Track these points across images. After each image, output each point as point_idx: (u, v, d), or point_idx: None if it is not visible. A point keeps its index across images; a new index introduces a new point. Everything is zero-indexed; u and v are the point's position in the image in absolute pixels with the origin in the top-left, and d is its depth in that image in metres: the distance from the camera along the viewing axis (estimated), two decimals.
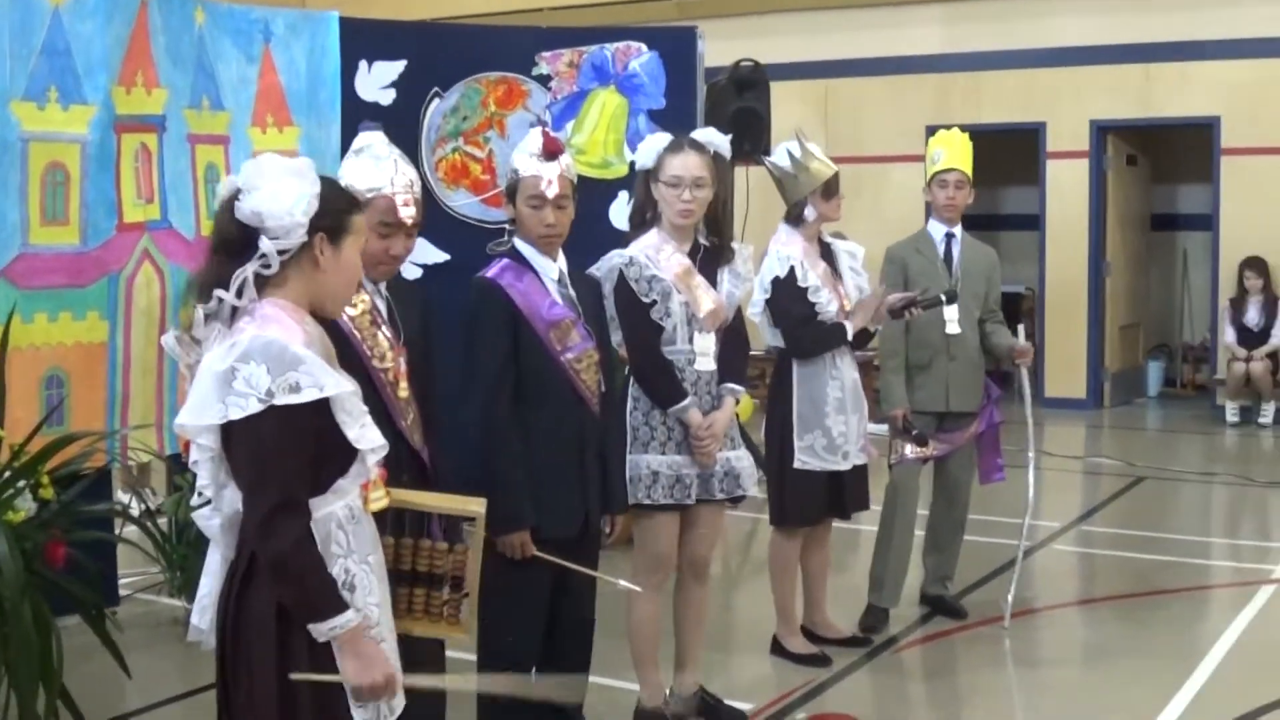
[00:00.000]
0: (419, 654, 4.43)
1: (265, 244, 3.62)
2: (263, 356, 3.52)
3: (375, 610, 3.78)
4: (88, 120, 6.67)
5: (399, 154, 4.92)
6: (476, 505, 4.50)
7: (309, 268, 3.71)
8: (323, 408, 3.59)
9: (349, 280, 3.90)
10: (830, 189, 7.16)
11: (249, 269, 3.62)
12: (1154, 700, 6.74)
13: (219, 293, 3.60)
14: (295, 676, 3.58)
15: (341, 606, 3.59)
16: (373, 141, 4.92)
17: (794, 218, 7.17)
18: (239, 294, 3.61)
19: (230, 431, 3.56)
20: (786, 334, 7.02)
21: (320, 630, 3.57)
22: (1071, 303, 16.73)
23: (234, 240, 3.63)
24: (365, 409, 3.74)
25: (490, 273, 5.53)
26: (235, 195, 3.63)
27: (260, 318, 3.60)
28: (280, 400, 3.51)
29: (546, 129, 5.66)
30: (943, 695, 7.25)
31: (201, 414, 3.55)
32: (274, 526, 3.52)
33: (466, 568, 4.45)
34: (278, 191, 3.61)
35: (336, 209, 3.75)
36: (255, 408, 3.50)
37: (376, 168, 4.83)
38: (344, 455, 3.71)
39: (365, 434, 3.71)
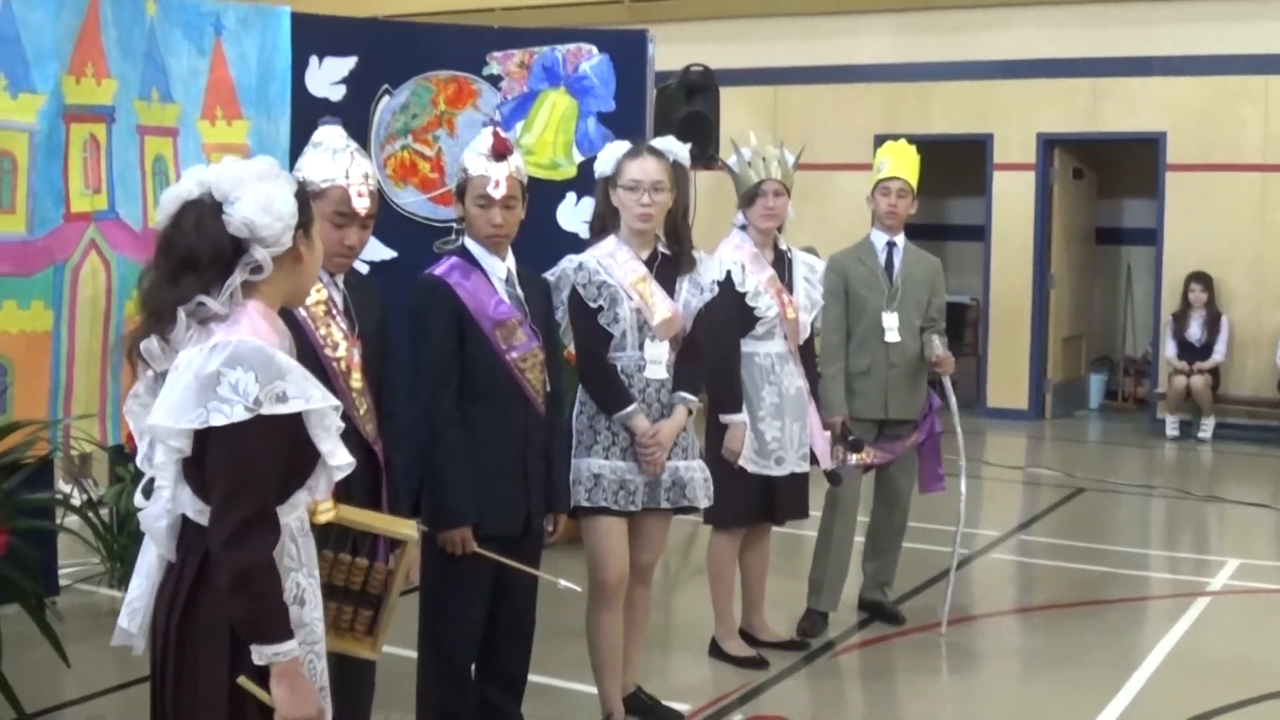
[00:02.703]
0: (351, 665, 4.46)
1: (260, 252, 3.56)
2: (251, 363, 3.46)
3: (320, 626, 3.77)
4: (36, 109, 6.64)
5: (355, 147, 4.95)
6: (409, 529, 4.52)
7: (290, 265, 3.68)
8: (298, 419, 3.55)
9: (319, 265, 3.92)
10: (750, 196, 7.21)
11: (238, 278, 3.56)
12: (1088, 708, 6.80)
13: (206, 300, 3.52)
14: (242, 680, 3.52)
15: (288, 634, 3.53)
16: (329, 135, 4.95)
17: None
18: (226, 302, 3.56)
19: (208, 437, 3.48)
20: (708, 337, 6.91)
21: (264, 653, 3.49)
22: (1015, 314, 16.84)
23: (225, 254, 3.54)
24: (341, 425, 3.69)
25: (438, 270, 5.56)
26: (215, 210, 3.55)
27: (236, 320, 3.55)
28: (267, 410, 3.45)
29: (498, 129, 5.67)
30: (879, 699, 7.29)
31: (180, 416, 3.47)
32: (245, 537, 3.45)
33: (387, 587, 4.45)
34: (266, 200, 3.57)
35: (305, 202, 3.74)
36: (241, 415, 3.43)
37: (332, 160, 4.86)
38: (307, 468, 3.67)
39: (337, 450, 3.66)
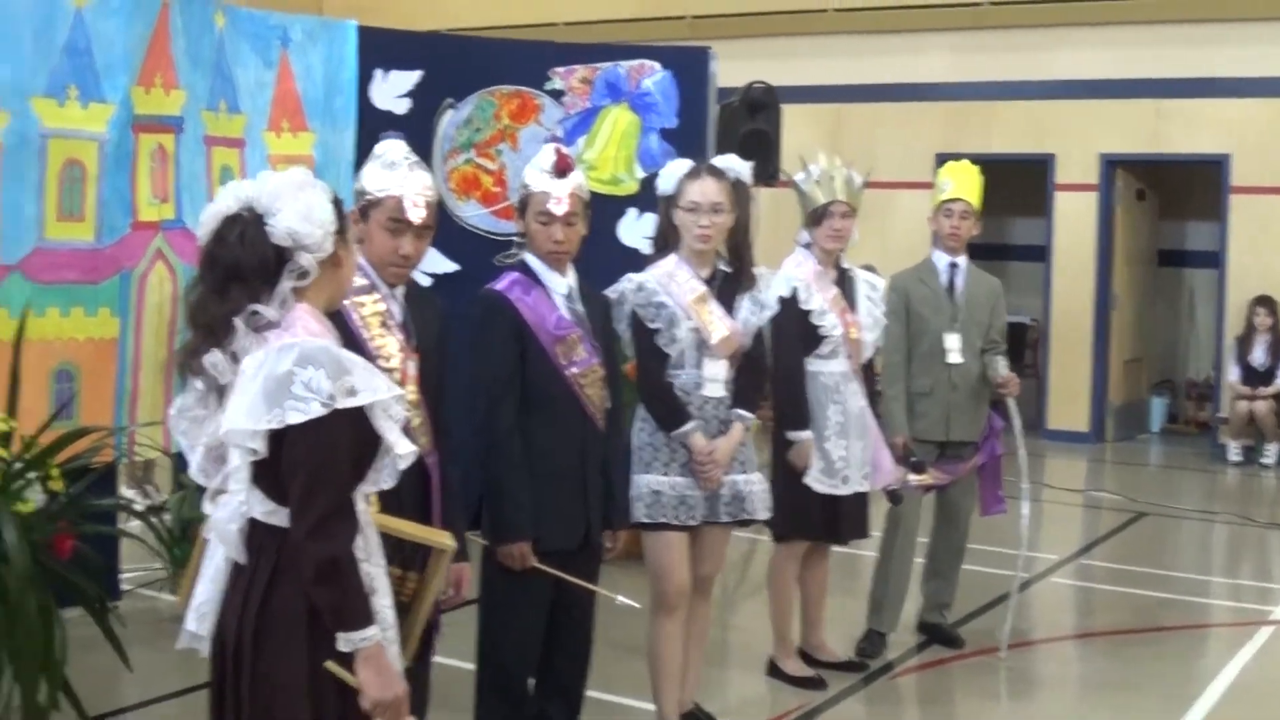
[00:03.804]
0: (407, 672, 4.47)
1: (305, 258, 3.66)
2: (320, 361, 3.55)
3: (390, 613, 3.84)
4: (106, 119, 6.70)
5: (414, 160, 4.97)
6: (448, 540, 4.54)
7: (330, 269, 3.77)
8: (362, 413, 3.63)
9: (354, 268, 4.08)
10: (817, 216, 7.20)
11: (287, 284, 3.66)
12: None
13: (260, 309, 3.62)
14: (329, 665, 3.60)
15: (371, 620, 3.63)
16: (389, 148, 4.98)
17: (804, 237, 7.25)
18: (279, 308, 3.66)
19: (284, 436, 3.56)
20: (773, 355, 6.95)
21: (351, 639, 3.59)
22: (1076, 335, 16.75)
23: (270, 264, 3.65)
24: (405, 415, 3.80)
25: (499, 286, 5.57)
26: (258, 223, 3.65)
27: (291, 324, 3.64)
28: (341, 404, 3.54)
29: (560, 146, 5.68)
30: None
31: (257, 418, 3.54)
32: (330, 529, 3.55)
33: (417, 597, 4.48)
34: (306, 210, 3.67)
35: (340, 210, 3.84)
36: (318, 411, 3.52)
37: (389, 171, 4.89)
38: (370, 461, 3.73)
39: (402, 440, 3.73)
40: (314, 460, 3.56)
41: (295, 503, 3.59)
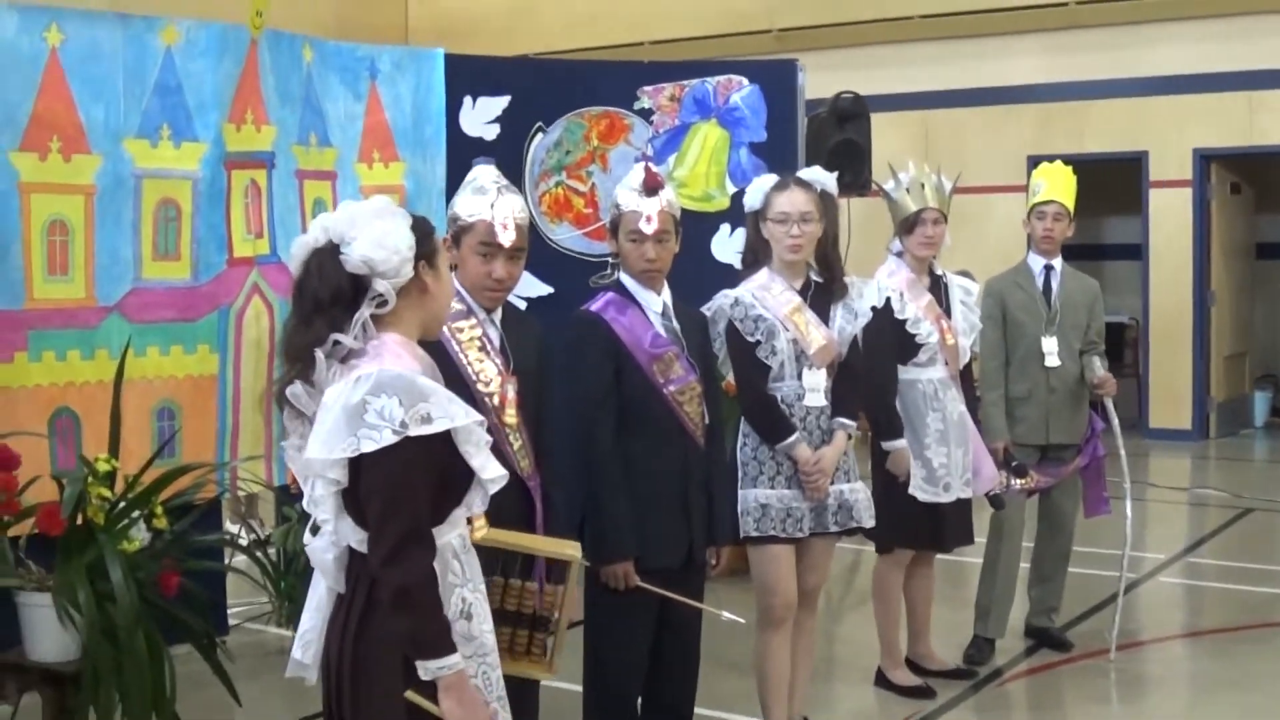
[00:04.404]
0: (514, 688, 4.49)
1: (381, 285, 3.68)
2: (394, 389, 3.57)
3: (490, 638, 3.86)
4: (199, 157, 6.79)
5: (505, 184, 5.00)
6: (572, 549, 4.58)
7: (417, 296, 3.80)
8: (447, 438, 3.65)
9: (450, 296, 4.04)
10: (908, 224, 7.17)
11: (365, 311, 3.69)
12: None
13: (340, 338, 3.65)
14: (410, 694, 3.61)
15: (452, 648, 3.63)
16: (481, 173, 5.02)
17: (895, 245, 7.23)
18: (359, 336, 3.68)
19: (360, 464, 3.59)
20: (866, 365, 6.86)
21: (429, 668, 3.60)
22: (1176, 332, 16.59)
23: (345, 292, 3.68)
24: (489, 439, 3.80)
25: (594, 306, 5.59)
26: (333, 252, 3.69)
27: (378, 353, 3.67)
28: (414, 431, 3.56)
29: (649, 164, 5.69)
30: None
31: (332, 447, 3.58)
32: (403, 556, 3.56)
33: (558, 607, 4.52)
34: (380, 236, 3.69)
35: (425, 233, 3.85)
36: (390, 439, 3.54)
37: (480, 196, 4.93)
38: (461, 485, 3.76)
39: (489, 464, 3.76)
40: (387, 488, 3.59)
41: (371, 531, 3.63)
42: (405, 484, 3.59)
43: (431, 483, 3.66)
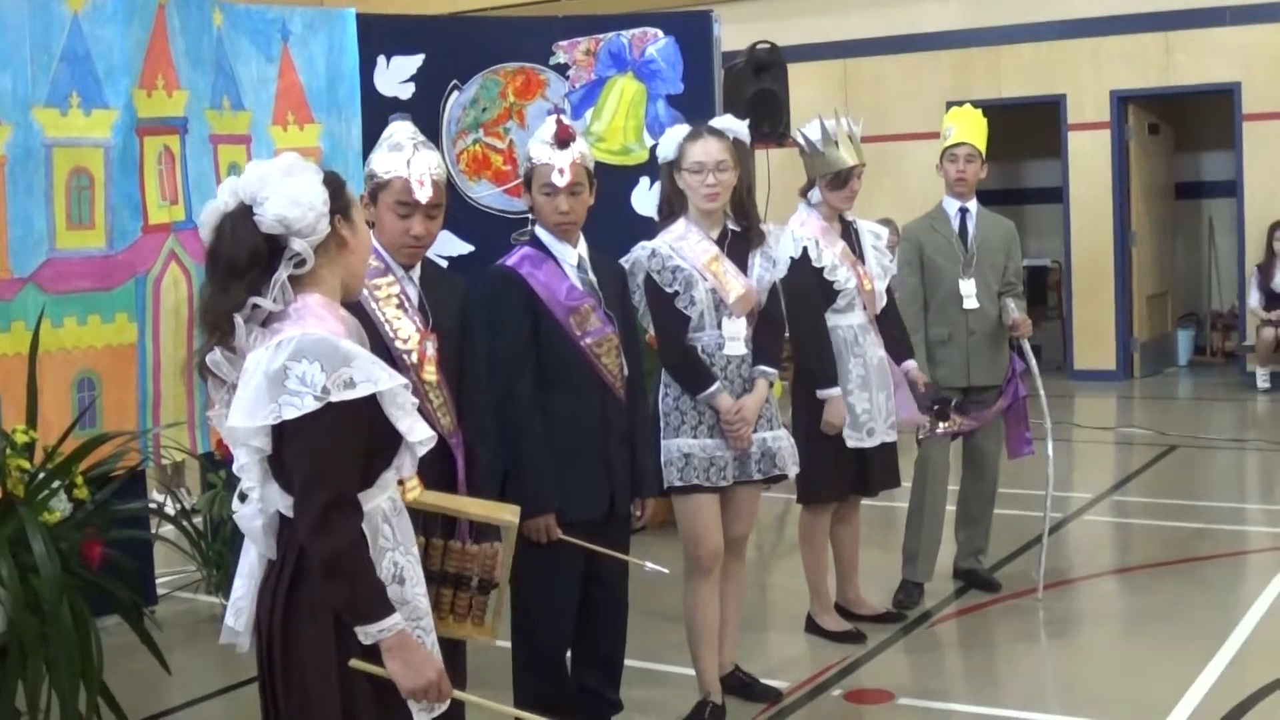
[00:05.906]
0: (444, 653, 4.49)
1: (298, 243, 3.61)
2: (315, 354, 3.52)
3: (424, 601, 3.84)
4: (110, 124, 6.71)
5: (422, 140, 4.96)
6: (509, 514, 4.57)
7: (335, 252, 3.75)
8: (373, 401, 3.60)
9: (368, 250, 3.99)
10: (839, 180, 7.14)
11: (283, 273, 3.62)
12: (1191, 665, 6.75)
13: (259, 301, 3.59)
14: (354, 663, 3.59)
15: (389, 609, 3.59)
16: (397, 130, 4.98)
17: (804, 193, 7.20)
18: (278, 298, 3.62)
19: (283, 431, 3.55)
20: (791, 316, 6.80)
21: (369, 632, 3.57)
22: (1098, 274, 16.69)
23: (262, 254, 3.60)
24: (415, 401, 3.76)
25: (510, 261, 5.60)
26: (246, 215, 3.61)
27: (300, 316, 3.61)
28: (336, 397, 3.51)
29: (561, 116, 5.69)
30: (979, 668, 7.25)
31: (254, 415, 3.54)
32: (330, 524, 3.52)
33: (496, 569, 4.52)
34: (294, 193, 3.62)
35: (337, 187, 3.78)
36: (311, 406, 3.50)
37: (396, 153, 4.89)
38: (390, 448, 3.73)
39: (416, 426, 3.71)
40: (311, 455, 3.54)
41: (296, 498, 3.59)
42: (329, 450, 3.55)
43: (357, 447, 3.62)
